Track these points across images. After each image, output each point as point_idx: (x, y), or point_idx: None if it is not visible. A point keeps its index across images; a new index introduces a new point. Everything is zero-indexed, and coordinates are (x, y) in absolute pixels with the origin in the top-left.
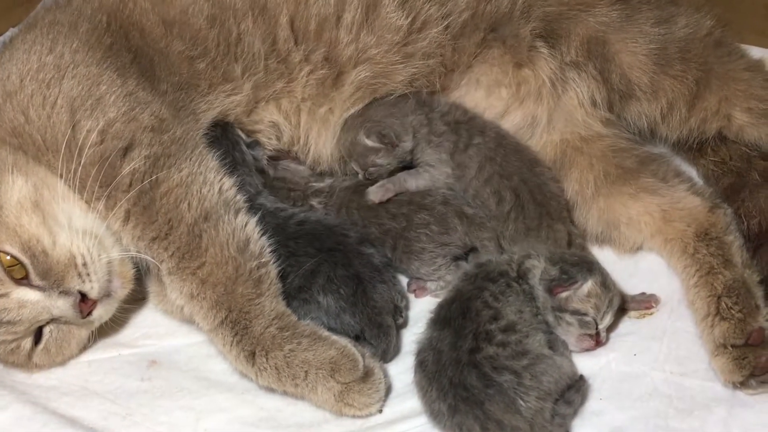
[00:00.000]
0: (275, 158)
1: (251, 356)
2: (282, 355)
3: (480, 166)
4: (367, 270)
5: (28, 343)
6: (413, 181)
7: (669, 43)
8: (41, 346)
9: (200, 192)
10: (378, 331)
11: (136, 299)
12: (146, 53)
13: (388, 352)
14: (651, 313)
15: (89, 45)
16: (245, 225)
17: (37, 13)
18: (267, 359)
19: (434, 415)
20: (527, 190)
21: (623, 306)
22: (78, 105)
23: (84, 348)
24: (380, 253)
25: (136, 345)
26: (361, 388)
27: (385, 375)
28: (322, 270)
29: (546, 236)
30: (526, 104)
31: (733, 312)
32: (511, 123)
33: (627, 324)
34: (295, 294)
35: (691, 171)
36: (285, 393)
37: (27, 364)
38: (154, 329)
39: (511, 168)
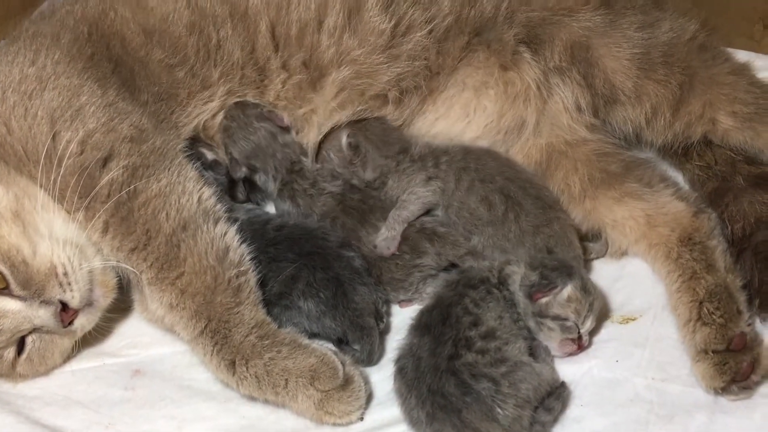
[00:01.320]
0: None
1: (231, 365)
2: (262, 364)
3: (457, 178)
4: (347, 272)
5: (10, 353)
6: (406, 212)
7: (652, 47)
8: (24, 356)
9: (178, 202)
10: (360, 333)
11: (121, 308)
12: (126, 63)
13: (372, 354)
14: (634, 319)
15: (71, 56)
16: (224, 234)
17: (22, 25)
18: (247, 368)
19: (413, 423)
20: (518, 187)
21: (605, 308)
22: (58, 116)
23: (68, 357)
24: (360, 256)
25: (120, 354)
26: (341, 395)
27: (366, 382)
28: (302, 275)
29: (559, 229)
30: (516, 106)
31: (715, 317)
32: (502, 125)
33: (609, 329)
34: (276, 300)
35: (677, 176)
36: (266, 401)
37: (11, 374)
38: (139, 338)
39: (490, 170)
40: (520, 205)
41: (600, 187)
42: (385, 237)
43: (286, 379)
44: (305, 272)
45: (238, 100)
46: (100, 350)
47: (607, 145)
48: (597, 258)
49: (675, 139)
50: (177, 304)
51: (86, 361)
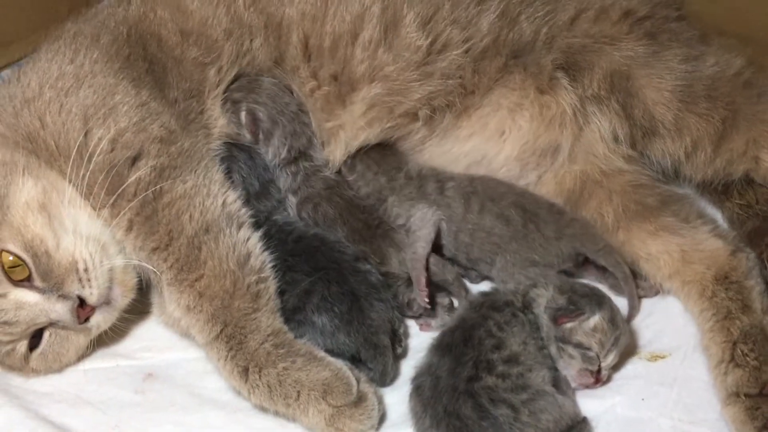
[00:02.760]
0: None
1: (244, 372)
2: (275, 373)
3: (466, 201)
4: (363, 287)
5: (23, 346)
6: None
7: (696, 80)
8: (39, 350)
9: (203, 204)
10: (374, 351)
11: (139, 311)
12: (161, 60)
13: (385, 374)
14: (663, 357)
15: (109, 56)
16: (247, 239)
17: (65, 25)
18: (260, 376)
19: None
20: (529, 200)
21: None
22: (92, 113)
23: (82, 356)
24: (377, 271)
25: (134, 357)
26: (353, 413)
27: (380, 402)
28: (316, 289)
29: (580, 228)
30: (551, 129)
31: (749, 359)
32: (537, 146)
33: (636, 366)
34: (290, 316)
35: (716, 213)
36: (277, 413)
37: (24, 368)
38: (154, 342)
39: (500, 190)
40: (537, 215)
41: (634, 220)
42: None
43: (299, 391)
44: (320, 286)
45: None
46: (114, 351)
47: (643, 177)
48: (645, 297)
49: (715, 175)
50: (194, 307)
51: (100, 361)
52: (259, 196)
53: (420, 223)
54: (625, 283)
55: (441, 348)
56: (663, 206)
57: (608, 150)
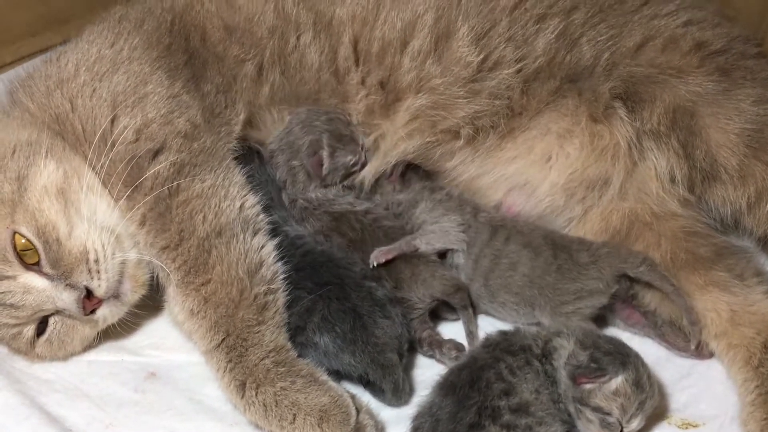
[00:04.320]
0: None
1: (241, 387)
2: (272, 392)
3: (493, 231)
4: (366, 303)
5: (30, 330)
6: (424, 242)
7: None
8: (45, 336)
9: (218, 206)
10: (382, 371)
11: (151, 307)
12: (201, 55)
13: (397, 391)
14: (696, 426)
15: (149, 43)
16: (261, 247)
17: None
18: (256, 393)
19: None
20: (559, 236)
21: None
22: (121, 100)
23: (88, 346)
24: (384, 287)
25: (140, 353)
26: None
27: None
28: (317, 308)
29: (612, 248)
30: (603, 160)
31: None
32: (585, 176)
33: (665, 431)
34: (292, 336)
35: None
36: None
37: (29, 352)
38: (163, 340)
39: (529, 226)
40: (567, 247)
41: (683, 269)
42: (383, 249)
43: (294, 414)
44: (320, 304)
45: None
46: (121, 345)
47: (699, 225)
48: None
49: None
50: (198, 312)
51: (106, 354)
52: (272, 204)
53: (441, 229)
54: (677, 296)
55: (445, 387)
56: (717, 259)
57: (663, 190)
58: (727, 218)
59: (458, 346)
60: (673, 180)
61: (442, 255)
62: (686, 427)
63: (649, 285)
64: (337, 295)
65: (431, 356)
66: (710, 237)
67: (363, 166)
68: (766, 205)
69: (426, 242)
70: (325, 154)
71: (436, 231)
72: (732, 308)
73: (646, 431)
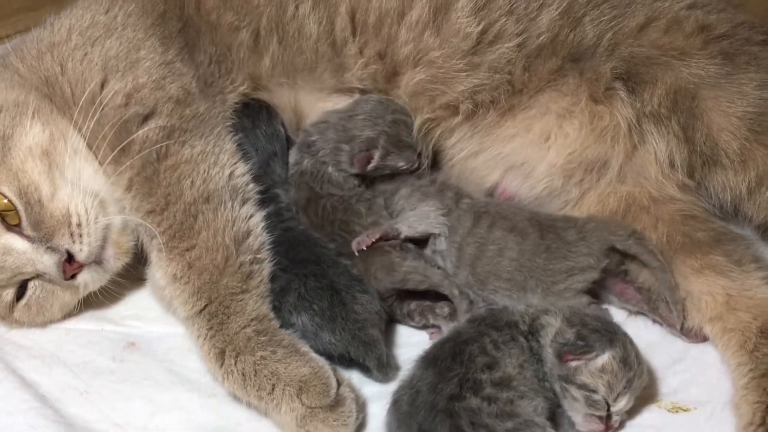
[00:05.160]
0: None
1: (221, 355)
2: (252, 361)
3: (476, 218)
4: (343, 279)
5: (9, 294)
6: (404, 222)
7: None
8: (24, 301)
9: (207, 172)
10: (364, 348)
11: (136, 278)
12: (195, 23)
13: (383, 366)
14: (686, 410)
15: (144, 11)
16: (249, 217)
17: None
18: (235, 362)
19: None
20: (544, 217)
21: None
22: (112, 65)
23: (68, 314)
24: None
25: (121, 323)
26: (326, 416)
27: (361, 411)
28: (292, 287)
29: (599, 222)
30: (602, 141)
31: None
32: (584, 157)
33: (654, 415)
34: None
35: None
36: (249, 405)
37: (7, 317)
38: (145, 311)
39: (512, 210)
40: (554, 227)
41: (679, 252)
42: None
43: (273, 385)
44: (295, 283)
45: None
46: (102, 315)
47: (696, 210)
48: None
49: None
50: (181, 277)
51: (85, 323)
52: (264, 172)
53: (422, 213)
54: (662, 271)
55: (427, 360)
56: (714, 244)
57: (662, 175)
58: (726, 204)
59: (450, 305)
60: (672, 164)
61: (424, 242)
62: (676, 411)
63: (637, 260)
64: (314, 272)
65: (425, 326)
66: (708, 222)
67: (417, 169)
68: (766, 191)
69: (408, 225)
70: (377, 154)
71: (417, 215)
72: (728, 292)
73: (635, 413)
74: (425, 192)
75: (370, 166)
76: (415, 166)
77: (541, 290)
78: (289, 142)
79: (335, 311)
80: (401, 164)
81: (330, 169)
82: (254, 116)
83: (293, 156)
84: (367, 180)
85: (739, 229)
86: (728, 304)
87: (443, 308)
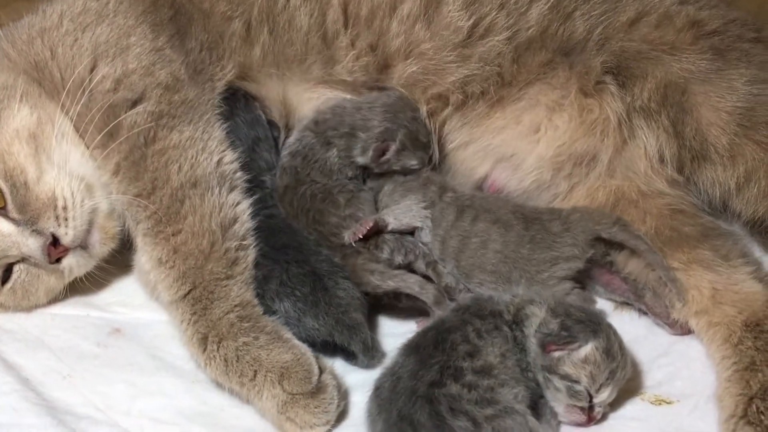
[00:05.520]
0: None
1: (203, 341)
2: (234, 347)
3: (459, 211)
4: (325, 265)
5: None
6: (390, 216)
7: (760, 105)
8: (9, 285)
9: (195, 158)
10: (348, 332)
11: (123, 265)
12: (188, 11)
13: (368, 350)
14: (670, 403)
15: None
16: (236, 204)
17: None
18: (218, 348)
19: None
20: (528, 209)
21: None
22: (102, 50)
23: (54, 299)
24: None
25: (107, 309)
26: (307, 403)
27: (343, 398)
28: (273, 274)
29: (583, 211)
30: (592, 135)
31: (763, 418)
32: (573, 150)
33: (637, 407)
34: None
35: (766, 260)
36: (231, 392)
37: None
38: (131, 298)
39: (497, 203)
40: (538, 219)
41: (667, 246)
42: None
43: (255, 371)
44: (277, 270)
45: None
46: (88, 301)
47: (685, 204)
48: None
49: (767, 214)
50: (166, 261)
51: (71, 308)
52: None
53: (405, 206)
54: (651, 254)
55: (409, 348)
56: (702, 238)
57: (651, 169)
58: (715, 200)
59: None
60: (662, 159)
61: (410, 234)
62: (659, 404)
63: (626, 249)
64: (296, 258)
65: (412, 305)
66: (697, 217)
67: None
68: (754, 186)
69: (394, 217)
70: (392, 148)
71: (402, 208)
72: (714, 287)
73: (618, 406)
74: (408, 187)
75: (383, 159)
76: (426, 167)
77: (525, 280)
78: (272, 127)
79: (318, 296)
80: (413, 163)
81: (332, 152)
82: (232, 105)
83: (296, 133)
84: (365, 174)
85: (727, 226)
86: (714, 299)
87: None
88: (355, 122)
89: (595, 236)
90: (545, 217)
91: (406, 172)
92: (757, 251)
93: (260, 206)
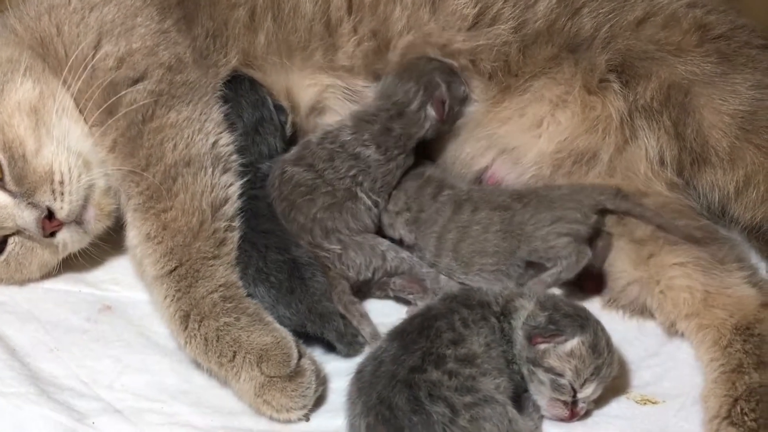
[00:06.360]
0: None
1: (185, 318)
2: (215, 327)
3: (457, 207)
4: (305, 255)
5: None
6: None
7: (763, 109)
8: (3, 257)
9: (191, 138)
10: (320, 320)
11: (118, 244)
12: None
13: (342, 337)
14: (655, 402)
15: None
16: (228, 185)
17: None
18: (199, 326)
19: None
20: (526, 189)
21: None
22: (108, 29)
23: (47, 274)
24: None
25: (99, 287)
26: (284, 386)
27: (322, 384)
28: (251, 262)
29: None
30: (593, 132)
31: (746, 419)
32: (574, 146)
33: (622, 405)
34: None
35: (762, 266)
36: (210, 373)
37: None
38: (124, 277)
39: (495, 192)
40: (534, 192)
41: (664, 246)
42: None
43: (235, 352)
44: (255, 256)
45: None
46: (81, 278)
47: (683, 207)
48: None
49: (765, 219)
50: (155, 237)
51: (63, 284)
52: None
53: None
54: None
55: (394, 333)
56: (699, 241)
57: (651, 171)
58: (714, 205)
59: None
60: (662, 162)
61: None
62: (645, 403)
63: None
64: (277, 245)
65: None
66: (695, 220)
67: (466, 99)
68: (753, 191)
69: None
70: (443, 88)
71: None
72: (707, 290)
73: (603, 403)
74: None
75: (447, 105)
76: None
77: (525, 244)
78: (279, 111)
79: (294, 284)
80: (463, 89)
81: (371, 149)
82: (236, 86)
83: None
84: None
85: (725, 231)
86: (706, 301)
87: (395, 282)
88: (394, 104)
89: (600, 206)
90: (543, 191)
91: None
92: (753, 257)
93: (247, 187)
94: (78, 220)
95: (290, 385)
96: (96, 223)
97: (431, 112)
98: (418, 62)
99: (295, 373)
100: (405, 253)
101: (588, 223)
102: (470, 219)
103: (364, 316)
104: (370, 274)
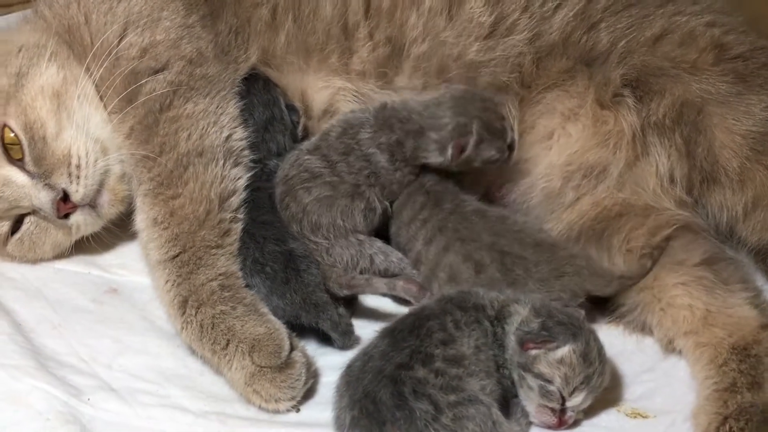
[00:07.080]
0: None
1: (183, 304)
2: (211, 314)
3: (432, 234)
4: (302, 248)
5: (4, 227)
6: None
7: None
8: (18, 235)
9: (206, 129)
10: (315, 311)
11: (130, 231)
12: None
13: (337, 327)
14: (645, 417)
15: None
16: (238, 178)
17: None
18: (196, 313)
19: (337, 426)
20: (511, 240)
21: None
22: (134, 20)
23: (59, 255)
24: None
25: (108, 270)
26: (274, 377)
27: (314, 377)
28: (248, 253)
29: (585, 263)
30: (604, 146)
31: None
32: (585, 160)
33: (611, 417)
34: None
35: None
36: (204, 359)
37: (0, 249)
38: (133, 262)
39: (475, 228)
40: (523, 258)
41: (668, 262)
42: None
43: (228, 340)
44: (252, 247)
45: None
46: (92, 260)
47: (691, 224)
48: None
49: None
50: (161, 222)
51: (74, 265)
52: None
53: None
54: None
55: (386, 330)
56: (704, 260)
57: (660, 188)
58: (722, 225)
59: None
60: (672, 179)
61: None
62: (635, 416)
63: None
64: (274, 236)
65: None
66: (702, 238)
67: (504, 162)
68: (761, 213)
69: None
70: (471, 141)
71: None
72: (708, 308)
73: (593, 415)
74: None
75: (464, 155)
76: (505, 157)
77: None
78: (292, 111)
79: (289, 275)
80: (492, 153)
81: (384, 156)
82: (250, 84)
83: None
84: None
85: (733, 253)
86: (705, 320)
87: (396, 284)
88: (424, 122)
89: (585, 293)
90: (531, 258)
91: (486, 166)
92: (759, 280)
93: (252, 180)
94: (92, 204)
95: (280, 376)
96: (109, 207)
97: (448, 150)
98: (473, 98)
99: (286, 365)
100: (396, 257)
101: (571, 304)
102: (437, 260)
103: (370, 278)
104: (357, 273)
